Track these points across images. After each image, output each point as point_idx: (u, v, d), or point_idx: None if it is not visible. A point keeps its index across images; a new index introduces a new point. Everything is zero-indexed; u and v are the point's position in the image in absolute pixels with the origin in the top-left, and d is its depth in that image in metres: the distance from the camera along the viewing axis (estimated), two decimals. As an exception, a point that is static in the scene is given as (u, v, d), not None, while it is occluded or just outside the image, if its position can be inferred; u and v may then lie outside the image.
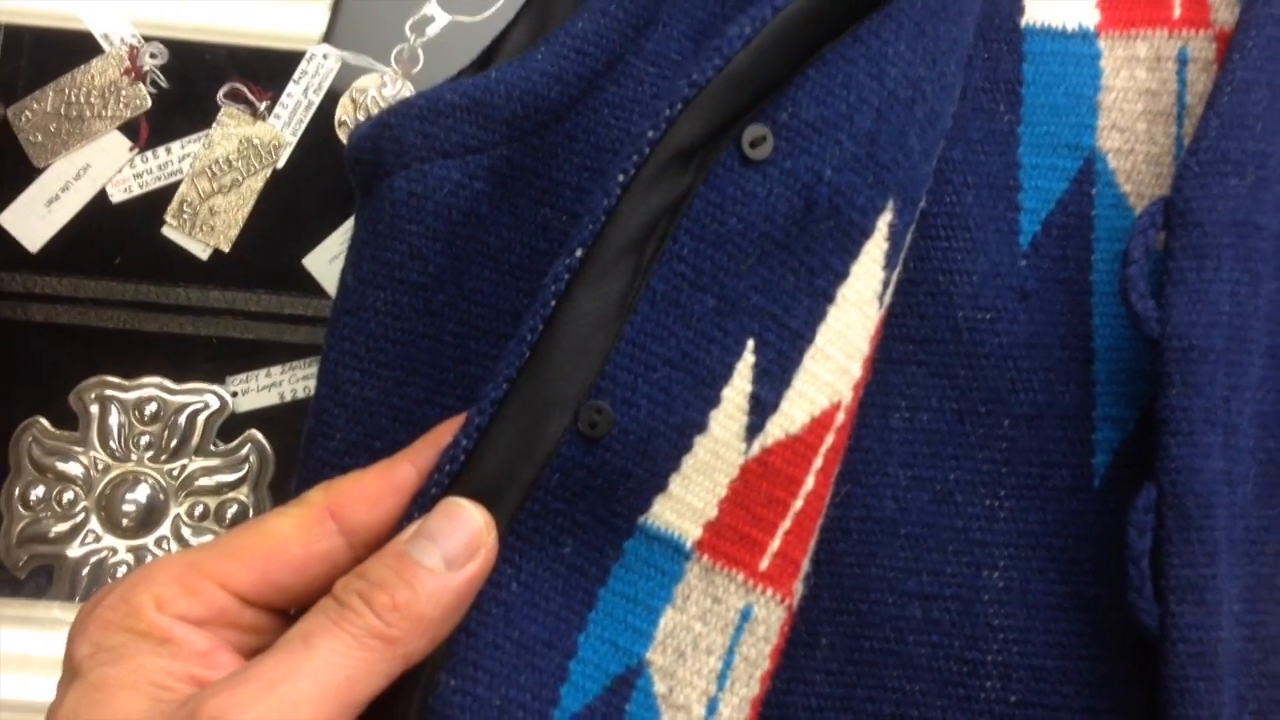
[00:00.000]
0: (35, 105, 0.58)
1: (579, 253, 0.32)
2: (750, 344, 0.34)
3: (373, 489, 0.33)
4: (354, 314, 0.37)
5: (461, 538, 0.32)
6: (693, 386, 0.34)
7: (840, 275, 0.35)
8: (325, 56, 0.57)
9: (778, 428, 0.35)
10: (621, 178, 0.32)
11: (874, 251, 0.36)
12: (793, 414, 0.35)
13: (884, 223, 0.36)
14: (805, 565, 0.37)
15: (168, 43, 0.56)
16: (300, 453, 0.37)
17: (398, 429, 0.37)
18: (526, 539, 0.33)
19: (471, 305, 0.37)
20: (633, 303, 0.33)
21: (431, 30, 0.58)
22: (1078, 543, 0.38)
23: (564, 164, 0.37)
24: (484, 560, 0.32)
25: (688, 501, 0.34)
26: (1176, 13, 0.41)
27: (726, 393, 0.34)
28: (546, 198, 0.37)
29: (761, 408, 0.34)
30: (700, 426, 0.34)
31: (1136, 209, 0.40)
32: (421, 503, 0.33)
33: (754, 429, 0.34)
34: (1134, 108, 0.41)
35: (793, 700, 0.38)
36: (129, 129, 0.57)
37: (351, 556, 0.33)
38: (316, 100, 0.57)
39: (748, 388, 0.34)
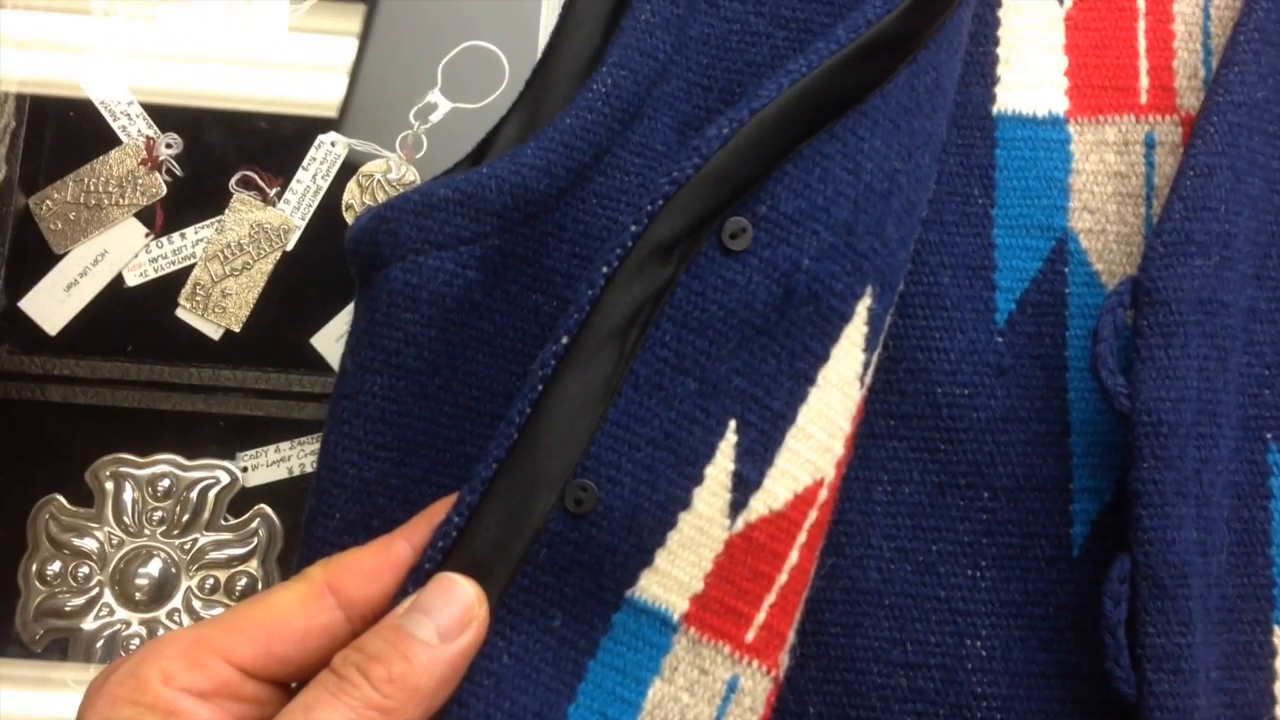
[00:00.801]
0: (56, 195, 0.60)
1: (565, 340, 0.34)
2: (732, 424, 0.36)
3: (370, 565, 0.35)
4: (352, 399, 0.38)
5: (454, 611, 0.33)
6: (676, 465, 0.35)
7: (820, 358, 0.37)
8: (333, 144, 0.60)
9: (761, 504, 0.36)
10: (605, 269, 0.35)
11: (854, 335, 0.37)
12: (776, 491, 0.36)
13: (863, 307, 0.37)
14: (791, 637, 0.38)
15: (164, 110, 0.59)
16: (301, 531, 0.39)
17: (395, 508, 0.38)
18: (517, 612, 0.35)
19: (466, 388, 0.38)
20: (617, 386, 0.35)
21: (435, 117, 0.60)
22: (1058, 611, 0.39)
23: (554, 252, 0.39)
24: (476, 633, 0.34)
25: (674, 576, 0.36)
26: (1143, 99, 0.43)
27: (709, 470, 0.36)
28: (537, 284, 0.39)
29: (745, 485, 0.36)
30: (684, 503, 0.35)
31: (1108, 287, 0.42)
32: (415, 577, 0.34)
33: (737, 505, 0.36)
34: (1104, 190, 0.43)
35: (782, 769, 0.39)
36: (145, 216, 0.60)
37: (350, 630, 0.34)
38: (325, 185, 0.59)
39: (730, 466, 0.36)
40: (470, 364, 0.39)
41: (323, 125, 0.60)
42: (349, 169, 0.59)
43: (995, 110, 0.43)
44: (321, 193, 0.60)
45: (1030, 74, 0.44)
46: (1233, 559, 0.39)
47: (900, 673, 0.39)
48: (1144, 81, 0.43)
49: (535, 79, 0.42)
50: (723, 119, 0.36)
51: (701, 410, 0.36)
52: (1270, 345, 0.41)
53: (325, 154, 0.60)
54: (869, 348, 0.38)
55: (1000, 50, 0.44)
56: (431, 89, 0.60)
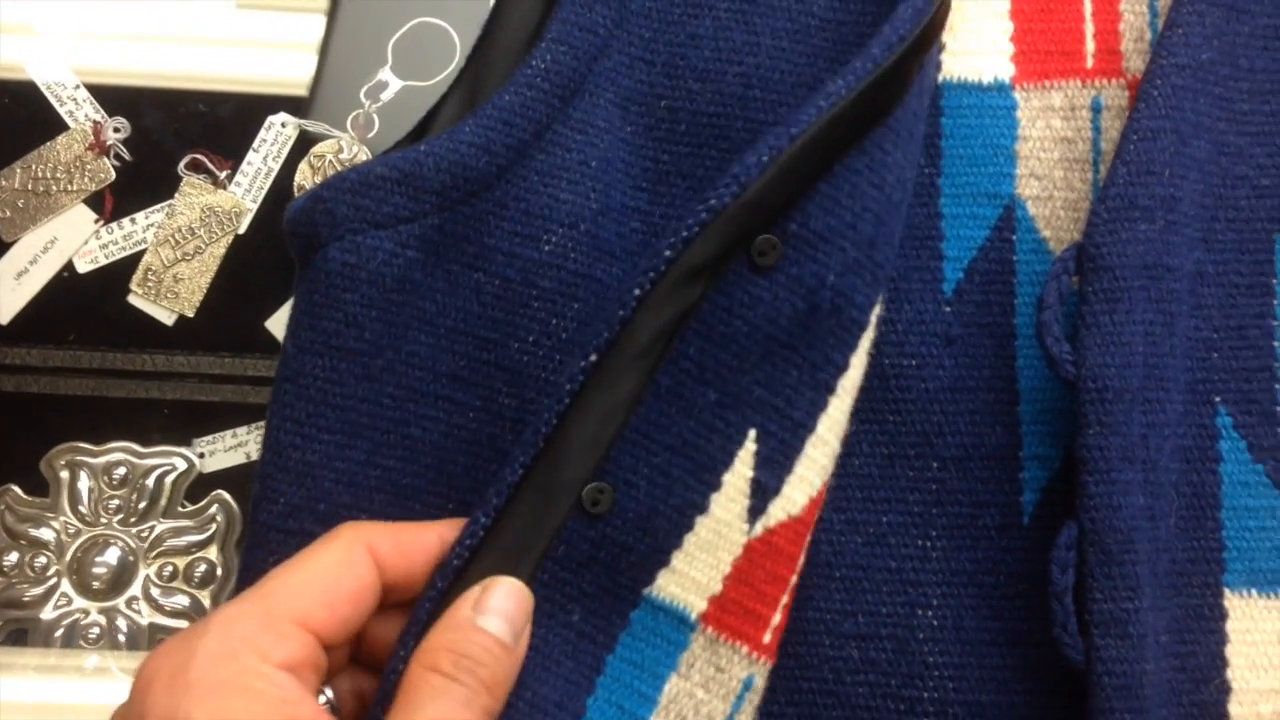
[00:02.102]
0: (3, 182, 0.59)
1: (593, 357, 0.35)
2: (752, 433, 0.37)
3: (406, 540, 0.35)
4: (294, 381, 0.38)
5: (523, 616, 0.35)
6: (693, 471, 0.36)
7: (841, 368, 0.37)
8: (284, 125, 0.59)
9: (780, 510, 0.37)
10: (638, 291, 0.35)
11: (865, 343, 0.38)
12: (794, 497, 0.37)
13: (874, 315, 0.38)
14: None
15: (111, 92, 0.58)
16: (249, 517, 0.39)
17: (340, 491, 0.38)
18: (537, 607, 0.35)
19: (409, 369, 0.38)
20: (640, 396, 0.35)
21: (386, 95, 0.60)
22: (1009, 579, 0.39)
23: (495, 230, 0.39)
24: (530, 633, 0.35)
25: (691, 576, 0.36)
26: (1089, 63, 0.43)
27: (727, 477, 0.36)
28: (479, 263, 0.39)
29: (763, 491, 0.37)
30: (701, 508, 0.36)
31: (1056, 254, 0.42)
32: (443, 571, 0.35)
33: (756, 511, 0.37)
34: (1050, 156, 0.42)
35: (735, 743, 0.39)
36: (94, 202, 0.59)
37: (381, 594, 0.35)
38: (275, 167, 0.58)
39: (749, 473, 0.36)
40: (413, 344, 0.38)
41: (273, 105, 0.59)
42: (300, 150, 0.58)
43: (941, 78, 0.43)
44: (273, 174, 0.59)
45: (976, 40, 0.43)
46: (1182, 523, 0.39)
47: (852, 644, 0.39)
48: (1090, 45, 0.43)
49: (475, 55, 0.42)
50: (761, 145, 0.36)
51: (721, 420, 0.36)
52: (1218, 309, 0.41)
53: (276, 135, 0.59)
54: (871, 351, 0.39)
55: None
56: (382, 67, 0.60)
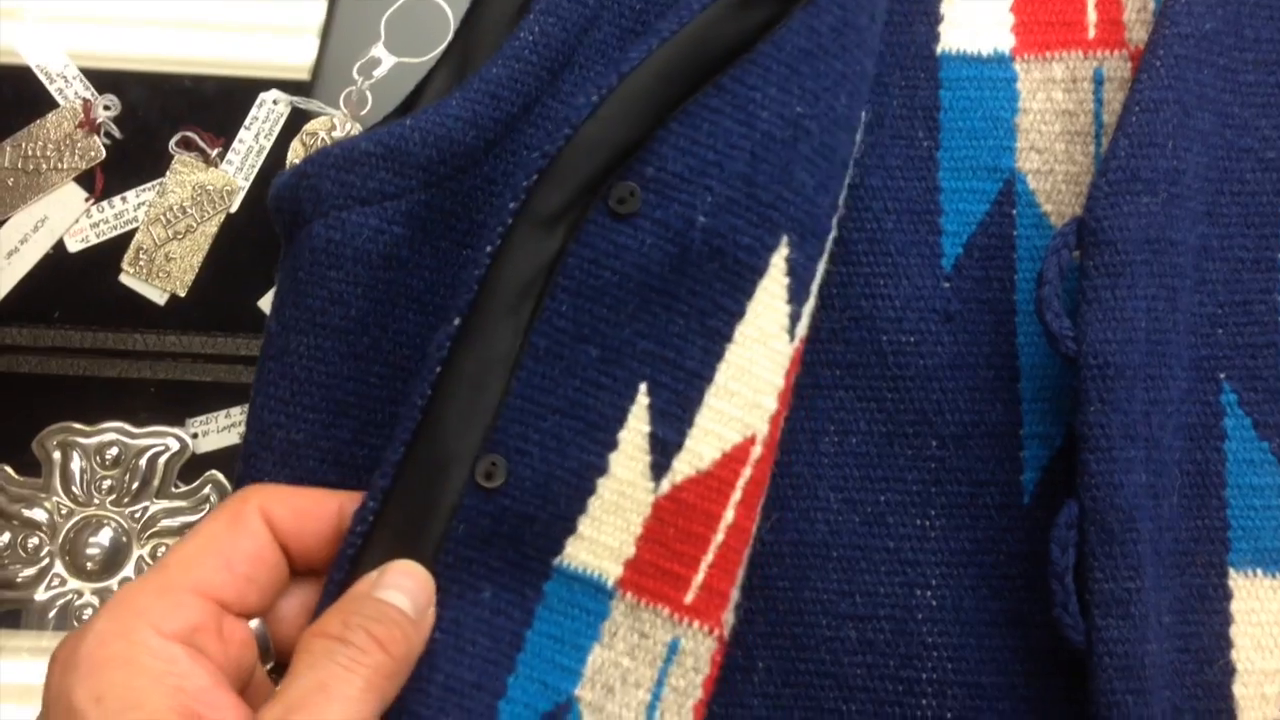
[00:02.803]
0: (-9, 160, 0.59)
1: (456, 320, 0.34)
2: (643, 387, 0.36)
3: (304, 505, 0.34)
4: (278, 359, 0.37)
5: (425, 594, 0.34)
6: (585, 432, 0.35)
7: (735, 314, 0.36)
8: (275, 102, 0.58)
9: (686, 465, 0.36)
10: (489, 248, 0.34)
11: (772, 287, 0.37)
12: (700, 451, 0.36)
13: (779, 258, 0.37)
14: (735, 595, 0.37)
15: (106, 75, 0.57)
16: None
17: (325, 470, 0.37)
18: (444, 588, 0.34)
19: (396, 347, 0.38)
20: (518, 359, 0.35)
21: (379, 72, 0.59)
22: (1009, 559, 0.39)
23: (484, 206, 0.38)
24: (434, 614, 0.34)
25: (601, 541, 0.36)
26: (1091, 34, 0.42)
27: (623, 435, 0.35)
28: (468, 239, 0.38)
29: (664, 447, 0.36)
30: (600, 469, 0.35)
31: (1057, 228, 0.41)
32: (339, 562, 0.34)
33: (659, 467, 0.36)
34: (1052, 129, 0.42)
35: (731, 725, 0.38)
36: (85, 180, 0.58)
37: (285, 557, 0.34)
38: (268, 145, 0.58)
39: (645, 428, 0.36)
40: (400, 322, 0.38)
41: (264, 83, 0.58)
42: (293, 127, 0.57)
43: (939, 50, 0.42)
44: (265, 153, 0.58)
45: (975, 12, 0.43)
46: (1185, 502, 0.39)
47: (849, 625, 0.38)
48: (1091, 16, 0.42)
49: (464, 28, 0.41)
50: (590, 86, 0.35)
51: (607, 376, 0.35)
52: (1223, 284, 0.40)
53: (268, 113, 0.58)
54: (794, 299, 0.37)
55: (945, -13, 0.43)
56: (375, 43, 0.59)
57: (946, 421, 0.40)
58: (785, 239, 0.37)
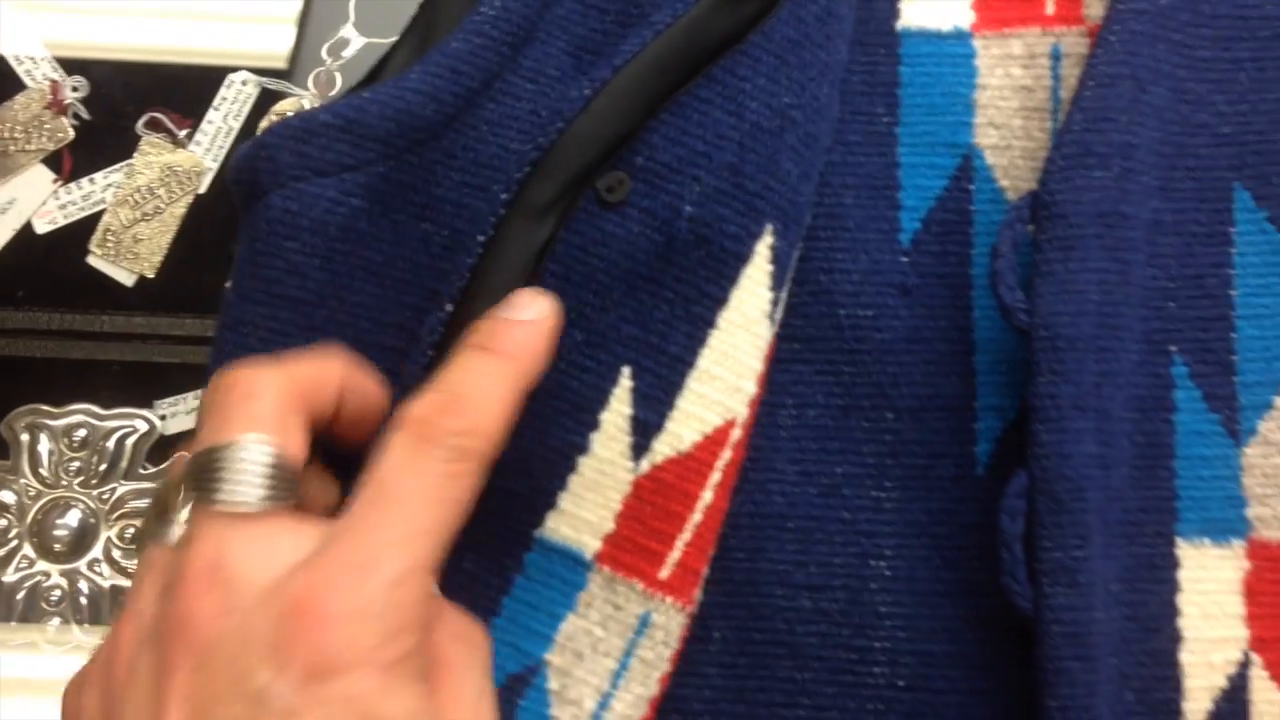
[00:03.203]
0: (-43, 141, 0.59)
1: (449, 306, 0.35)
2: (626, 371, 0.37)
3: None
4: (235, 329, 0.37)
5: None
6: (568, 412, 0.36)
7: (719, 300, 0.37)
8: (244, 82, 0.58)
9: (666, 446, 0.37)
10: (481, 237, 0.35)
11: (756, 275, 0.38)
12: (681, 433, 0.37)
13: (764, 246, 0.38)
14: (705, 572, 0.38)
15: (81, 64, 0.57)
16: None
17: (283, 440, 0.37)
18: None
19: (354, 319, 0.38)
20: None
21: (348, 53, 0.59)
22: (963, 530, 0.39)
23: (443, 180, 0.38)
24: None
25: (582, 516, 0.36)
26: (1050, 10, 0.43)
27: (605, 416, 0.36)
28: (426, 213, 0.38)
29: (644, 428, 0.37)
30: (582, 448, 0.36)
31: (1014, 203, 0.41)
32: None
33: (640, 448, 0.37)
34: (1009, 104, 0.42)
35: (686, 693, 0.38)
36: (53, 161, 0.58)
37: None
38: (237, 126, 0.58)
39: (627, 410, 0.37)
40: (359, 294, 0.38)
41: (231, 70, 0.58)
42: (262, 108, 0.57)
43: (899, 26, 0.43)
44: (234, 133, 0.58)
45: (935, -12, 0.43)
46: (1135, 472, 0.39)
47: (804, 594, 0.39)
48: (1050, -8, 0.43)
49: (427, 3, 0.41)
50: (584, 79, 0.36)
51: (592, 359, 0.36)
52: (1175, 258, 0.41)
53: (236, 93, 0.58)
54: (776, 285, 0.38)
55: (905, -35, 0.43)
56: (344, 24, 0.59)
57: (903, 394, 0.40)
58: (770, 227, 0.38)
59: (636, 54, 0.36)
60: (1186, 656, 0.38)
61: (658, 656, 0.37)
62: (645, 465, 0.37)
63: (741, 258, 0.37)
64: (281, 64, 0.56)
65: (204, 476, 0.31)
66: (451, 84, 0.38)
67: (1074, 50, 0.42)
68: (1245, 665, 0.38)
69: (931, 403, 0.40)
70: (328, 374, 0.33)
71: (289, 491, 0.31)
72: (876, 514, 0.39)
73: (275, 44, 0.57)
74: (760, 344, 0.38)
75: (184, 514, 0.31)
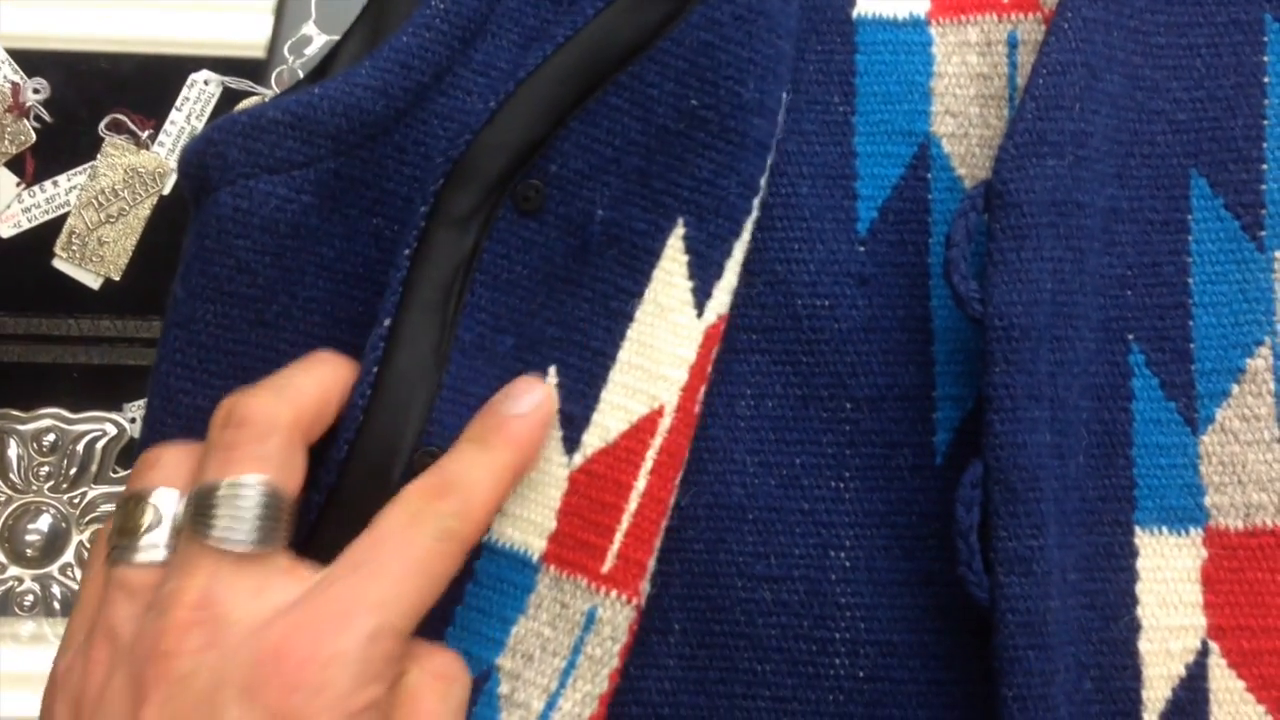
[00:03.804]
0: (-81, 145, 0.58)
1: (387, 322, 0.36)
2: (553, 370, 0.38)
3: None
4: (184, 327, 0.37)
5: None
6: None
7: (634, 294, 0.38)
8: (207, 82, 0.58)
9: (595, 438, 0.37)
10: (407, 251, 0.36)
11: (669, 266, 0.39)
12: (607, 424, 0.38)
13: (675, 239, 0.38)
14: (650, 564, 0.38)
15: (42, 57, 0.57)
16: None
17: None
18: None
19: (306, 314, 0.38)
20: (446, 353, 0.36)
21: (310, 50, 0.59)
22: (921, 520, 0.39)
23: (394, 175, 0.38)
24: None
25: (525, 517, 0.37)
26: (1006, -3, 0.42)
27: None
28: (377, 208, 0.38)
29: (573, 422, 0.37)
30: None
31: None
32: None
33: (571, 442, 0.37)
34: (966, 92, 0.42)
35: (646, 685, 0.38)
36: (15, 165, 0.58)
37: None
38: (199, 126, 0.58)
39: (555, 407, 0.37)
40: (310, 290, 0.38)
41: (193, 63, 0.58)
42: (224, 107, 0.57)
43: (855, 14, 0.42)
44: (197, 133, 0.58)
45: (890, -24, 0.43)
46: (1093, 461, 0.39)
47: (764, 586, 0.39)
48: (1007, -20, 0.43)
49: (377, -5, 0.41)
50: (489, 92, 0.37)
51: (522, 362, 0.37)
52: (1133, 245, 0.41)
53: (199, 93, 0.58)
54: (696, 275, 0.39)
55: (860, -47, 0.43)
56: (305, 21, 0.59)
57: (861, 384, 0.40)
58: (681, 220, 0.38)
59: (538, 67, 0.37)
60: (1145, 645, 0.38)
61: (606, 652, 0.37)
62: (578, 460, 0.37)
63: (652, 252, 0.38)
64: (259, 53, 0.56)
65: (204, 511, 0.32)
66: (401, 78, 0.38)
67: (1031, 37, 0.42)
68: (1204, 653, 0.38)
69: (890, 393, 0.40)
70: (331, 394, 0.35)
71: (285, 531, 0.33)
72: (836, 504, 0.39)
73: (247, 34, 0.57)
74: (685, 332, 0.38)
75: (152, 535, 0.32)
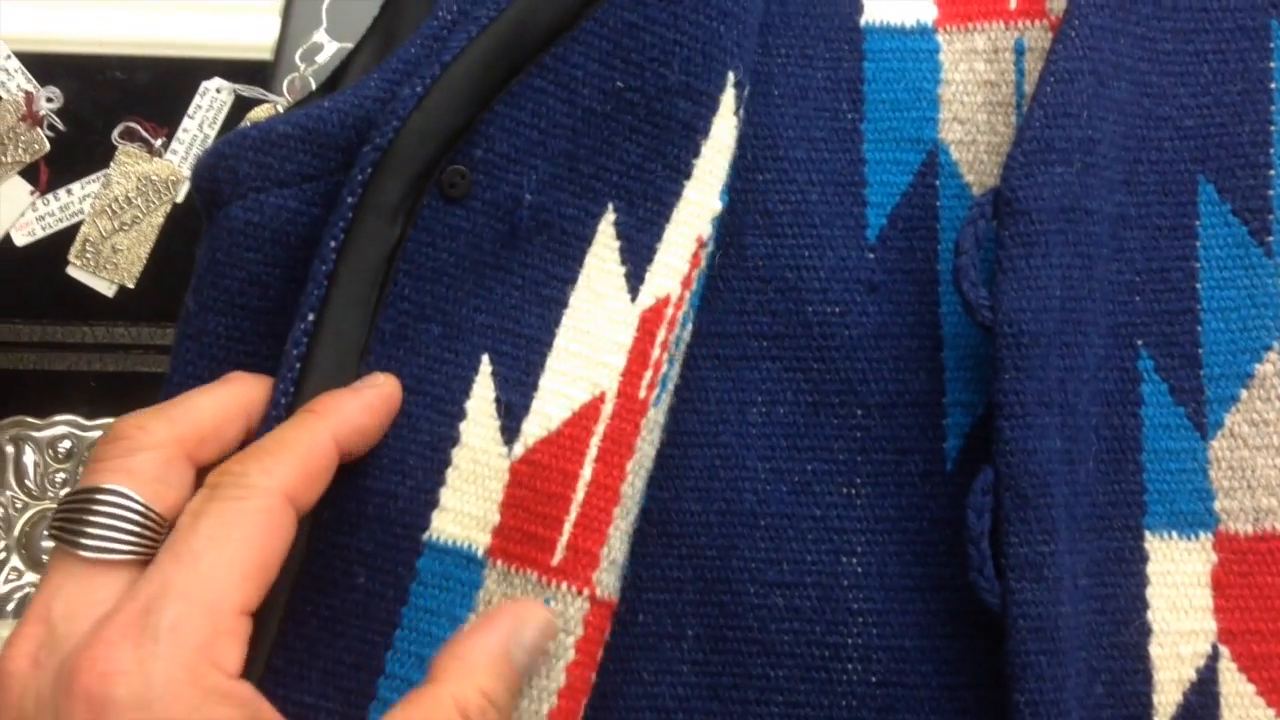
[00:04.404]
0: (-66, 154, 0.59)
1: (310, 317, 0.35)
2: (485, 357, 0.37)
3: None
4: (196, 339, 0.38)
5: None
6: (432, 405, 0.37)
7: (567, 280, 0.38)
8: (218, 90, 0.58)
9: (536, 426, 0.37)
10: (334, 243, 0.36)
11: (601, 252, 0.39)
12: (548, 411, 0.37)
13: (606, 224, 0.39)
14: (608, 554, 0.37)
15: (55, 61, 0.57)
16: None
17: (245, 448, 0.37)
18: (320, 577, 0.35)
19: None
20: (368, 345, 0.36)
21: (321, 58, 0.59)
22: (932, 525, 0.39)
23: (403, 186, 0.38)
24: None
25: (465, 511, 0.36)
26: (1013, 4, 0.43)
27: (470, 405, 0.37)
28: (387, 219, 0.38)
29: (512, 411, 0.37)
30: (451, 439, 0.37)
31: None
32: None
33: (510, 431, 0.37)
34: (974, 99, 0.42)
35: (661, 690, 0.39)
36: (29, 173, 0.58)
37: None
38: (212, 134, 0.58)
39: (491, 394, 0.37)
40: None
41: (207, 69, 0.58)
42: (236, 115, 0.57)
43: (863, 22, 0.43)
44: (209, 141, 0.58)
45: (898, -17, 0.43)
46: (1102, 467, 0.39)
47: (777, 592, 0.39)
48: (1013, -13, 0.43)
49: (388, 5, 0.41)
50: (415, 77, 0.36)
51: (450, 351, 0.37)
52: (1140, 251, 0.41)
53: (211, 101, 0.58)
54: (629, 260, 0.39)
55: (869, -39, 0.43)
56: (316, 29, 0.59)
57: (871, 390, 0.40)
58: (611, 205, 0.38)
59: (464, 49, 0.36)
60: (1156, 649, 0.38)
61: (559, 646, 0.36)
62: (519, 449, 0.37)
63: (583, 238, 0.38)
64: (267, 54, 0.56)
65: (64, 518, 0.31)
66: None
67: (1038, 44, 0.42)
68: (1214, 658, 0.38)
69: (900, 399, 0.40)
70: (229, 413, 0.34)
71: (140, 542, 0.31)
72: (847, 511, 0.40)
73: (256, 37, 0.57)
74: (624, 318, 0.38)
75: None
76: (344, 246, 0.35)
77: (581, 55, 0.38)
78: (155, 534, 0.32)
